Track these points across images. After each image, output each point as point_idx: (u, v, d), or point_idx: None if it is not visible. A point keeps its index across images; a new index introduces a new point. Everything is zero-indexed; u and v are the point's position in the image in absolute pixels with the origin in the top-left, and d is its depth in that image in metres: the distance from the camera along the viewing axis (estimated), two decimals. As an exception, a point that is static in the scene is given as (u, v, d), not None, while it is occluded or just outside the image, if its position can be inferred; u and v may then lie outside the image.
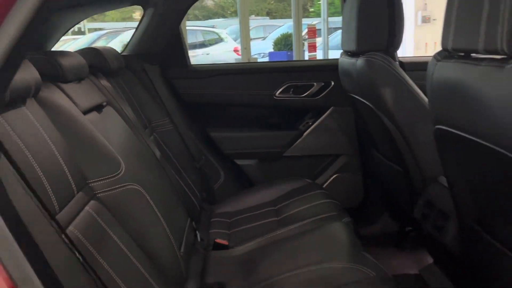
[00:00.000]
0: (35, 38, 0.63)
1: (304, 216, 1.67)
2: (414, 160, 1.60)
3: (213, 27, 11.64)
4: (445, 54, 1.02)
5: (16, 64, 0.54)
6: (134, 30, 2.14)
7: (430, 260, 1.80)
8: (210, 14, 16.93)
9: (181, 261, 1.26)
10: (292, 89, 2.21)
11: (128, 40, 2.16)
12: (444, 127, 1.05)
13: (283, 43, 9.38)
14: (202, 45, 9.73)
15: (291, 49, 8.04)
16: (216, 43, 10.25)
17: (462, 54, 0.96)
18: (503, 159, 0.84)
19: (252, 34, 7.30)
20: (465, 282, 1.46)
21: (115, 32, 9.64)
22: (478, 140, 0.91)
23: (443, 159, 1.19)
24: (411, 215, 1.64)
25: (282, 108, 2.27)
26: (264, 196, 1.96)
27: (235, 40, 11.18)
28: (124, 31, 9.45)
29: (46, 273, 0.54)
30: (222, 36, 10.79)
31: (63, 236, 0.69)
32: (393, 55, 1.67)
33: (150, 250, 1.11)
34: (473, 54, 0.92)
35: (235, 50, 9.84)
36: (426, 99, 1.48)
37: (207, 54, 9.59)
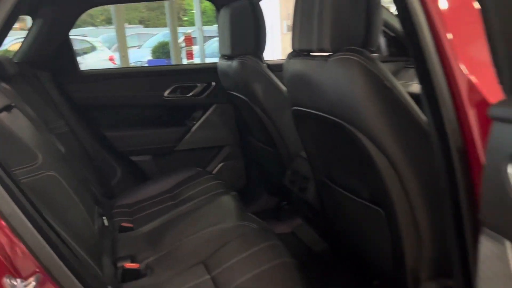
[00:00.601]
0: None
1: (198, 195, 1.95)
2: (282, 140, 1.99)
3: (84, 35, 11.25)
4: (294, 53, 1.41)
5: None
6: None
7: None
8: (79, 23, 16.17)
9: (97, 236, 1.45)
10: (179, 90, 2.48)
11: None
12: (297, 108, 1.43)
13: (161, 51, 9.51)
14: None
15: (169, 57, 8.23)
16: (89, 52, 9.96)
17: (305, 52, 1.34)
18: (336, 125, 1.23)
19: (127, 43, 7.31)
20: (325, 231, 1.89)
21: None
22: (319, 113, 1.29)
23: (300, 134, 1.58)
24: (285, 190, 2.03)
25: (171, 107, 2.52)
26: (160, 186, 2.18)
27: (109, 48, 10.96)
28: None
29: (25, 210, 0.75)
30: (95, 44, 10.51)
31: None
32: (260, 57, 2.05)
33: (72, 226, 1.29)
34: (311, 53, 1.31)
35: (111, 59, 9.68)
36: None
37: (81, 63, 9.24)
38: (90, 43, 10.35)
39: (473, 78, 0.83)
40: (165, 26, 9.52)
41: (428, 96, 0.89)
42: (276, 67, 2.37)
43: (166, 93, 2.46)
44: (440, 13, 0.86)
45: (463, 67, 0.84)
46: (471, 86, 0.83)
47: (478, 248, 0.72)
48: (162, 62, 8.73)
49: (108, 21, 16.38)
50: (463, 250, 0.83)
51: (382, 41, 2.61)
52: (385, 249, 1.26)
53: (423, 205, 1.09)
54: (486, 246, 0.70)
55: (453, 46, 0.84)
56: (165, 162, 2.49)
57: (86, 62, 9.19)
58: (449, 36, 0.85)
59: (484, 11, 0.79)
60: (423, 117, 1.09)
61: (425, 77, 0.89)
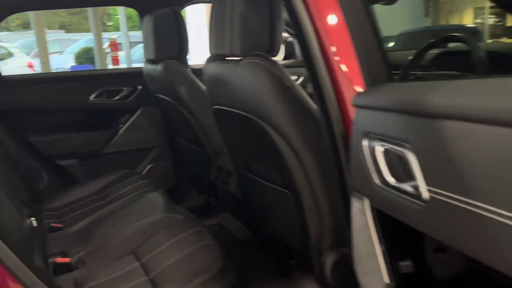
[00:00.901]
0: None
1: (126, 194, 2.03)
2: (207, 139, 2.13)
3: (-2, 41, 10.65)
4: (211, 58, 1.57)
5: None
6: None
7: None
8: (-8, 27, 15.19)
9: (27, 236, 1.50)
10: (105, 94, 2.53)
11: None
12: (217, 106, 1.59)
13: (85, 56, 9.26)
14: (-10, 61, 8.84)
15: (94, 63, 8.06)
16: (6, 58, 9.46)
17: (220, 57, 1.50)
18: (249, 120, 1.40)
19: (48, 49, 7.06)
20: (248, 220, 2.06)
21: None
22: (234, 110, 1.46)
23: (221, 130, 1.74)
24: (212, 187, 2.17)
25: (98, 110, 2.56)
26: (88, 188, 2.22)
27: (27, 54, 10.46)
28: None
29: None
30: (12, 50, 10.01)
31: None
32: (184, 62, 2.18)
33: (2, 225, 1.34)
34: (226, 57, 1.47)
35: (30, 66, 9.27)
36: None
37: (-3, 70, 8.74)
38: (6, 49, 9.84)
39: (350, 77, 1.04)
40: (88, 31, 9.29)
41: (317, 93, 1.09)
42: (200, 71, 2.52)
43: (91, 97, 2.51)
44: (326, 30, 1.06)
45: (344, 69, 1.04)
46: (349, 84, 1.03)
47: (351, 208, 0.92)
48: (86, 68, 8.51)
49: (25, 26, 15.55)
50: (348, 213, 1.03)
51: (297, 47, 2.86)
52: (294, 227, 1.45)
53: (319, 182, 1.30)
54: (355, 205, 0.90)
55: (336, 55, 1.05)
56: (92, 165, 2.53)
57: (3, 70, 8.69)
58: (333, 49, 1.05)
59: (349, 30, 1.01)
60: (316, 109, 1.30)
61: (314, 78, 1.08)
